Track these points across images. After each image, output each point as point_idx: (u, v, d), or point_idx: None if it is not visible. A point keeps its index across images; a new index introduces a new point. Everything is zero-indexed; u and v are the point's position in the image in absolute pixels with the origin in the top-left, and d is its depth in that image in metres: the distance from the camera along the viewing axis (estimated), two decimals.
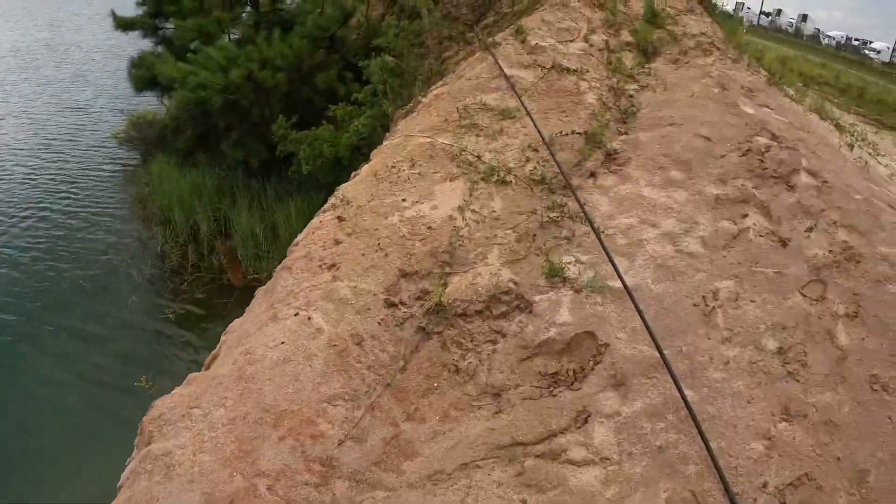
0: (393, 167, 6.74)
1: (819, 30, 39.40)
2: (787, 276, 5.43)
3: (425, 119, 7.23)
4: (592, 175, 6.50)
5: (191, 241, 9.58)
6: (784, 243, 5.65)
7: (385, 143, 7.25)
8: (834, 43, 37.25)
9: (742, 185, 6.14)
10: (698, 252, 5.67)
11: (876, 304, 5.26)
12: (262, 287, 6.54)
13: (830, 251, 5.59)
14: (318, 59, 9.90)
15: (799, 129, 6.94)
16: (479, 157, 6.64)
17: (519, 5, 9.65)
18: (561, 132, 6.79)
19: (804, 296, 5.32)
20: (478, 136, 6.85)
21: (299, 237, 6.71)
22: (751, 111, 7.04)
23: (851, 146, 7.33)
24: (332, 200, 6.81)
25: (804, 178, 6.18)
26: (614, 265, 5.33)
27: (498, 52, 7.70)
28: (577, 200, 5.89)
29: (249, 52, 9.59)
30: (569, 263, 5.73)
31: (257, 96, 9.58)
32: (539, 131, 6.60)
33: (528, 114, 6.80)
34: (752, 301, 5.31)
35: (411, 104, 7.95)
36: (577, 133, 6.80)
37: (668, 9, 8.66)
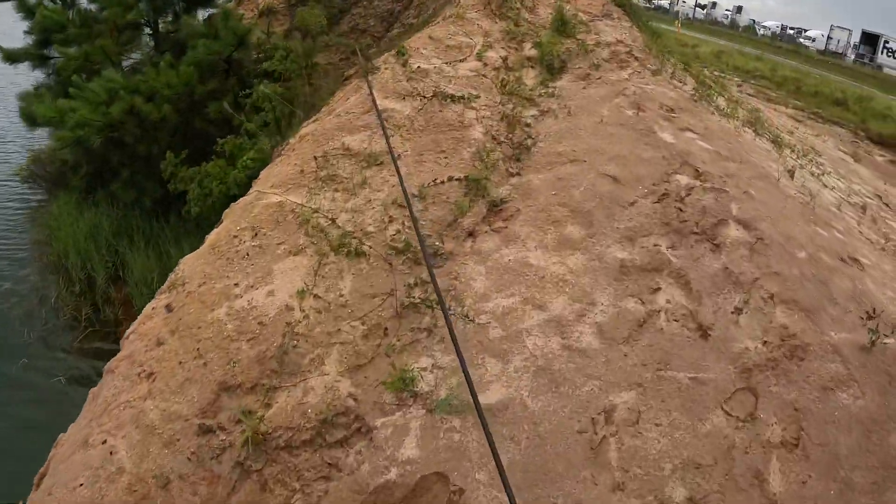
0: (235, 237, 4.77)
1: (754, 21, 36.03)
2: (707, 383, 3.48)
3: (283, 169, 5.22)
4: (471, 235, 4.51)
5: (87, 291, 7.69)
6: (705, 333, 3.68)
7: (239, 200, 5.25)
8: (769, 33, 34.00)
9: (655, 245, 4.14)
10: (592, 347, 3.71)
11: (822, 426, 3.33)
12: (94, 388, 4.70)
13: (765, 342, 3.62)
14: (213, 86, 7.85)
15: (728, 158, 4.90)
16: (333, 219, 4.65)
17: (425, 15, 7.50)
18: (435, 180, 4.77)
19: (728, 414, 3.38)
20: (336, 190, 4.85)
21: (133, 325, 4.82)
22: (670, 139, 4.99)
23: (792, 172, 5.29)
24: (171, 278, 4.88)
25: (734, 232, 4.18)
26: (471, 385, 3.39)
27: (375, 79, 5.62)
28: (435, 286, 3.91)
29: (134, 83, 7.54)
30: (424, 370, 3.80)
31: (143, 131, 7.57)
32: (402, 186, 4.58)
33: (394, 161, 4.77)
34: (656, 424, 3.37)
35: (284, 144, 5.91)
36: (456, 179, 4.78)
37: (580, 14, 6.51)
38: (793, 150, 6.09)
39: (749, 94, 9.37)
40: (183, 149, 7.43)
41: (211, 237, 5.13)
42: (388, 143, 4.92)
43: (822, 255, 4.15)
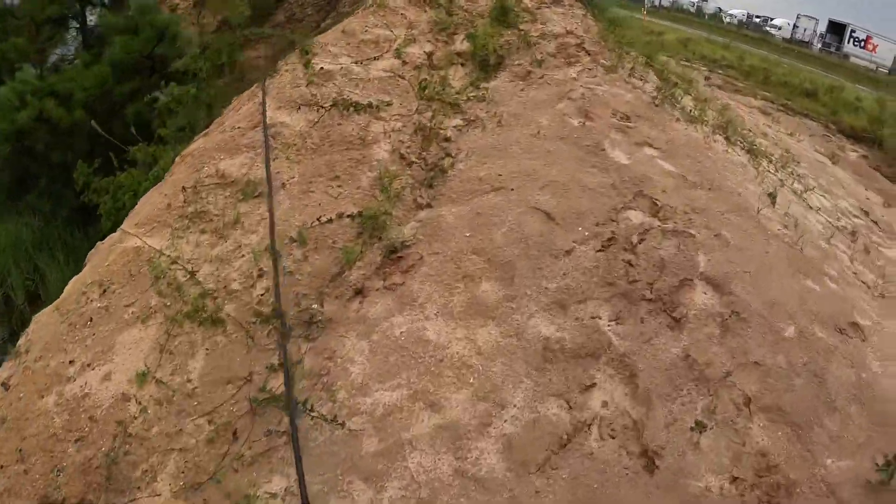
0: (84, 294, 3.34)
1: (720, 8, 32.82)
2: None
3: (153, 200, 3.71)
4: (359, 293, 3.05)
5: (4, 312, 6.31)
6: (651, 461, 2.26)
7: (106, 239, 3.77)
8: (736, 21, 30.98)
9: (592, 316, 2.68)
10: (495, 476, 2.30)
11: None
12: None
13: (734, 479, 2.21)
14: (133, 86, 6.29)
15: (696, 184, 3.38)
16: (192, 273, 3.19)
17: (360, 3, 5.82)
18: (321, 218, 3.27)
19: None
20: (203, 232, 3.36)
21: None
22: (623, 159, 3.46)
23: (774, 196, 3.79)
24: (21, 340, 3.48)
25: (701, 298, 2.71)
26: None
27: (273, 84, 4.05)
28: (286, 380, 2.50)
29: (50, 84, 5.99)
30: (272, 497, 2.44)
31: (56, 138, 6.06)
32: (272, 231, 3.11)
33: (269, 194, 3.27)
34: None
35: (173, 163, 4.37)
36: (349, 216, 3.28)
37: (525, 1, 4.86)
38: (771, 161, 4.54)
39: (717, 85, 7.71)
40: (103, 155, 5.89)
41: (67, 288, 3.69)
42: (267, 169, 3.42)
43: (816, 329, 2.69)
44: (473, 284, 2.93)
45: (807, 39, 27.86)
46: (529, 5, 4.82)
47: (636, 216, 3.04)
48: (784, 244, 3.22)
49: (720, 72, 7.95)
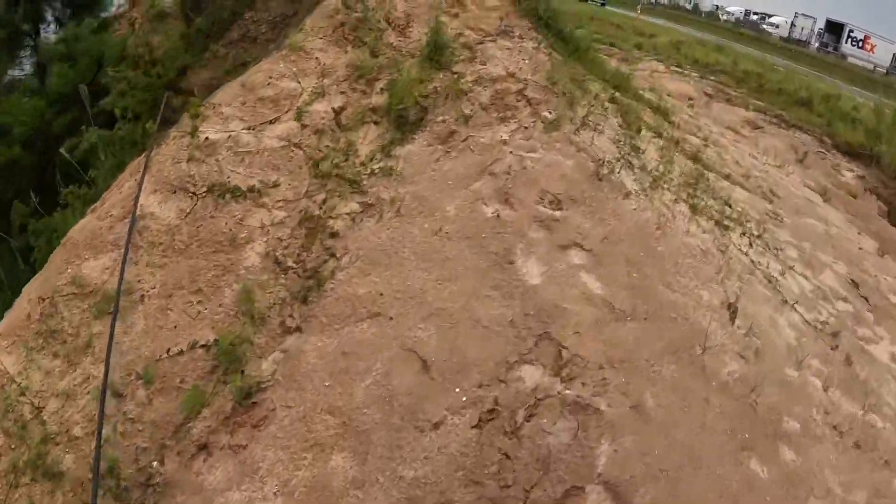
0: None
1: (717, 6, 28.48)
2: None
3: (19, 307, 3.01)
4: (203, 449, 2.37)
5: None
6: None
7: None
8: (733, 19, 26.91)
9: None
10: None
11: None
12: None
13: None
14: (72, 117, 5.50)
15: (625, 312, 2.45)
16: (40, 409, 2.59)
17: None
18: (170, 350, 2.54)
19: None
20: (55, 356, 2.71)
21: None
22: (535, 277, 2.53)
23: (734, 308, 2.80)
24: None
25: None
26: None
27: (157, 157, 3.21)
28: None
29: None
30: None
31: None
32: (106, 373, 2.41)
33: (114, 316, 2.55)
34: None
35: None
36: (202, 346, 2.54)
37: (468, 32, 3.74)
38: (745, 233, 3.47)
39: (707, 94, 6.31)
40: (46, 190, 5.23)
41: None
42: (119, 284, 2.68)
43: None
44: (323, 457, 2.19)
45: (804, 39, 24.09)
46: (471, 39, 3.70)
47: (532, 375, 2.18)
48: (731, 401, 2.30)
49: (712, 78, 6.51)
